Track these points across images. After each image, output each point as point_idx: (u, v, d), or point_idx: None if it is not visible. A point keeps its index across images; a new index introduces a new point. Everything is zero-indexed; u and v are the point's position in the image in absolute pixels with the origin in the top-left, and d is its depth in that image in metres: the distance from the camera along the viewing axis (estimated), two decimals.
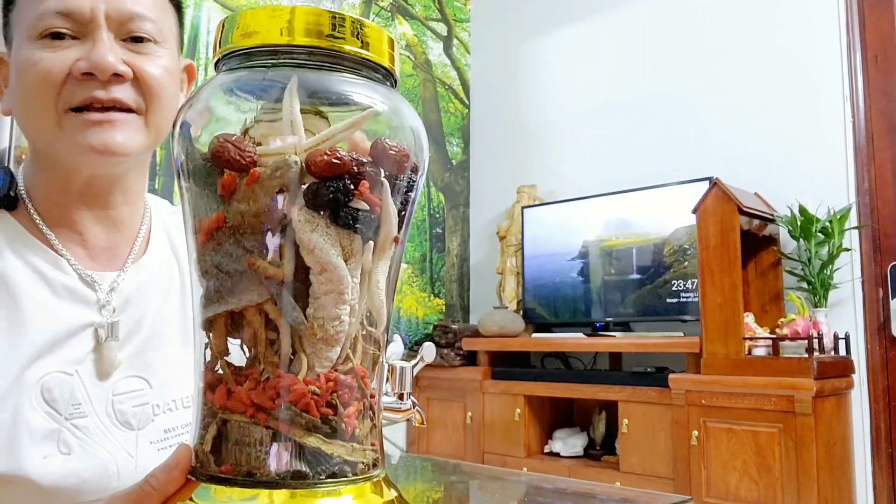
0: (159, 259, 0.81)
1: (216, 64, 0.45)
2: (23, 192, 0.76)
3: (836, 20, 2.53)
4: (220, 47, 0.44)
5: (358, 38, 0.43)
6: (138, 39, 0.72)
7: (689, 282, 2.53)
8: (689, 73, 2.87)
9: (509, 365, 2.93)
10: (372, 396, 0.45)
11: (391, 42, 0.46)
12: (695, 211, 2.36)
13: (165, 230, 0.85)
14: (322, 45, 0.42)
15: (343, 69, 0.43)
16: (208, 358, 0.44)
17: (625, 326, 2.78)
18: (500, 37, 3.61)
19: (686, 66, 2.88)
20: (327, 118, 0.44)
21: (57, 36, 0.69)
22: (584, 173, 3.13)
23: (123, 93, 0.70)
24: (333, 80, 0.43)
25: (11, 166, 0.79)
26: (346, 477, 0.41)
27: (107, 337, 0.72)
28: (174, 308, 0.81)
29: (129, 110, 0.70)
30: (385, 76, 0.46)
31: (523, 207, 3.14)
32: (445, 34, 3.66)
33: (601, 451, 2.64)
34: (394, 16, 3.43)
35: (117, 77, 0.69)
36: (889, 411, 2.35)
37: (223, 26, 0.44)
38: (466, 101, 3.70)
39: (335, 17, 0.42)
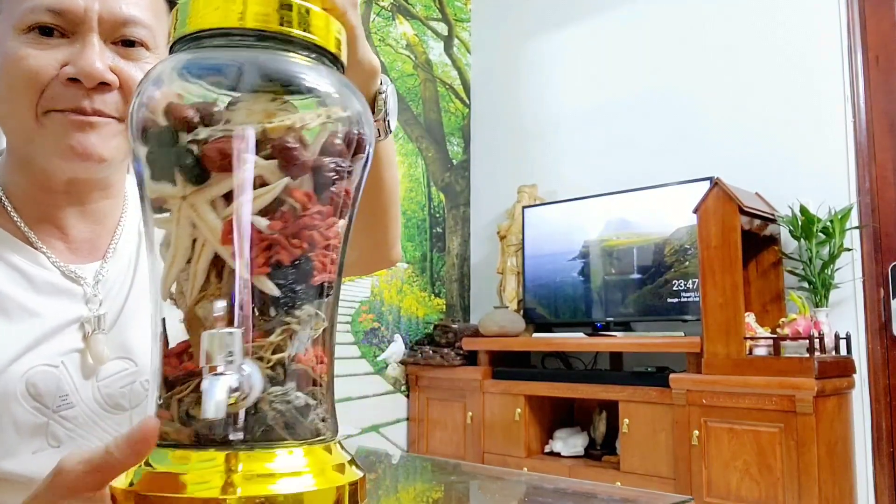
0: (131, 239, 0.81)
1: (170, 49, 0.47)
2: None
3: (837, 20, 2.53)
4: (174, 32, 0.46)
5: (305, 24, 0.45)
6: (129, 43, 0.70)
7: (690, 281, 2.53)
8: (689, 73, 2.87)
9: (510, 365, 2.93)
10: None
11: (339, 29, 0.48)
12: (696, 211, 2.36)
13: (138, 206, 0.83)
14: (271, 29, 0.44)
15: (292, 52, 0.45)
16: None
17: (625, 326, 2.78)
18: (501, 36, 3.61)
19: (686, 66, 2.88)
20: (284, 100, 0.46)
21: (45, 31, 0.67)
22: (585, 173, 3.13)
23: (107, 104, 0.68)
24: (282, 61, 0.45)
25: None
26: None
27: (94, 330, 0.72)
28: (145, 282, 0.79)
29: (110, 117, 0.69)
30: (332, 61, 0.48)
31: (524, 207, 3.14)
32: (446, 34, 3.66)
33: (602, 450, 2.64)
34: (394, 15, 3.43)
35: (104, 85, 0.67)
36: (890, 411, 2.35)
37: (177, 13, 0.46)
38: (467, 101, 3.70)
39: (283, 4, 0.44)
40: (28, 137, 0.69)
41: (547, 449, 2.75)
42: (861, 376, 2.35)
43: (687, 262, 2.56)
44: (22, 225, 0.73)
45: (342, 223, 0.48)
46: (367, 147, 0.48)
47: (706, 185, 2.39)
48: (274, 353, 0.44)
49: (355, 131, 0.47)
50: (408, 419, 3.15)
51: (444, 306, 3.47)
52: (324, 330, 0.47)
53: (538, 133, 3.36)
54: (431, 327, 3.24)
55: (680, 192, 2.58)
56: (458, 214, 3.59)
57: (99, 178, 0.76)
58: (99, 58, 0.67)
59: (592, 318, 2.85)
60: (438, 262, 3.47)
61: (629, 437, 2.41)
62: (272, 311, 0.44)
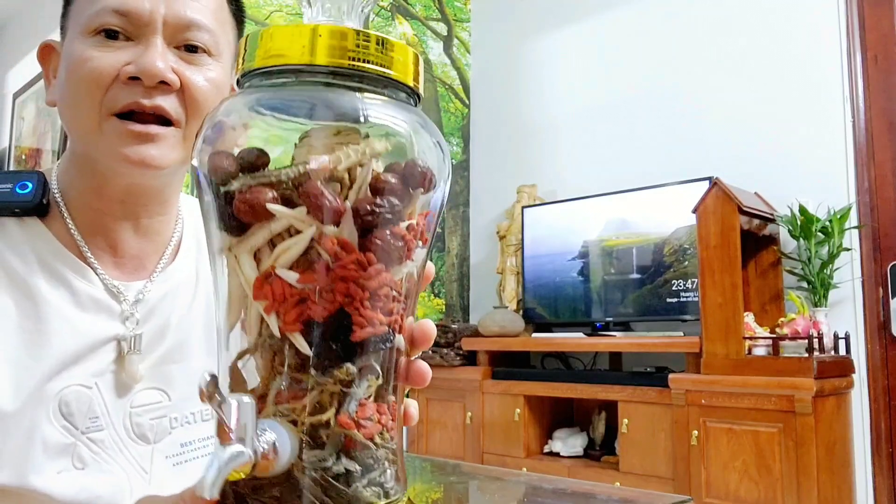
0: (186, 267, 0.80)
1: (238, 81, 0.46)
2: (58, 195, 0.74)
3: (837, 20, 2.53)
4: (242, 64, 0.44)
5: (382, 58, 0.43)
6: (192, 48, 0.70)
7: (689, 281, 2.53)
8: (689, 73, 2.87)
9: (509, 365, 2.92)
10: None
11: (416, 59, 0.45)
12: (695, 211, 2.36)
13: (196, 235, 0.83)
14: (343, 66, 0.42)
15: (364, 89, 0.43)
16: None
17: (625, 326, 2.78)
18: (501, 36, 3.61)
19: (686, 66, 2.88)
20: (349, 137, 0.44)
21: (111, 35, 0.67)
22: (585, 173, 3.13)
23: (167, 102, 0.68)
24: (350, 98, 0.43)
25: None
26: None
27: (129, 350, 0.71)
28: (198, 317, 0.79)
29: (169, 122, 0.69)
30: (409, 94, 0.46)
31: (523, 207, 3.14)
32: (445, 34, 3.66)
33: (601, 451, 2.64)
34: (394, 15, 3.43)
35: (163, 85, 0.67)
36: (889, 411, 2.35)
37: (246, 43, 0.44)
38: (466, 101, 3.70)
39: (359, 36, 0.42)
40: (89, 141, 0.70)
41: (546, 449, 2.75)
42: (860, 376, 2.35)
43: (686, 262, 2.56)
44: (75, 233, 0.72)
45: (405, 269, 0.44)
46: (437, 183, 0.45)
47: (705, 184, 2.39)
48: (311, 414, 0.41)
49: (420, 166, 0.44)
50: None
51: (444, 306, 3.47)
52: (380, 387, 0.44)
53: (538, 133, 3.36)
54: None
55: (679, 191, 2.58)
56: (458, 214, 3.59)
57: (156, 189, 0.75)
58: (161, 58, 0.67)
59: (592, 319, 2.85)
60: (438, 262, 3.48)
61: (628, 437, 2.41)
62: (308, 370, 0.41)
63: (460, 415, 2.89)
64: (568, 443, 2.69)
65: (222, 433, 0.38)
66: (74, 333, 0.69)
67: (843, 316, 2.40)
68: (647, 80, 2.99)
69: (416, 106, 0.47)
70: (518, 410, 2.71)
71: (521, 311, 3.07)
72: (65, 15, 0.73)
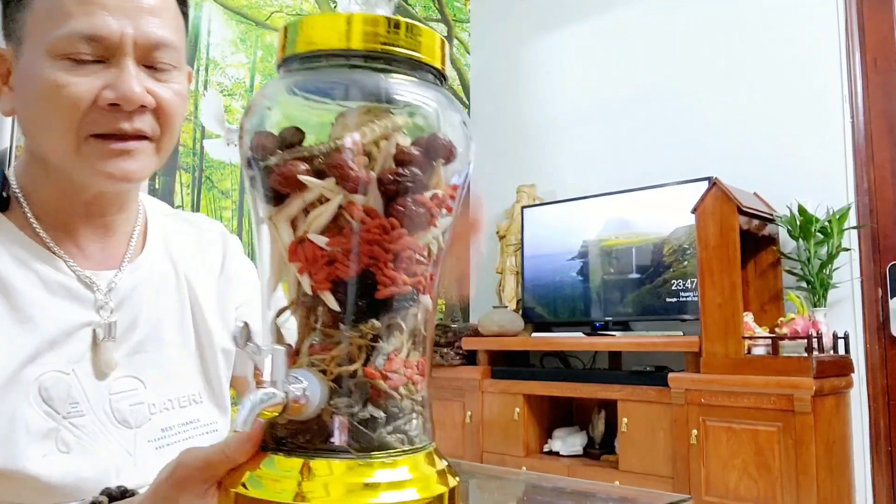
0: (154, 260, 0.82)
1: (278, 66, 0.50)
2: (17, 192, 0.75)
3: (836, 22, 2.54)
4: (283, 51, 0.49)
5: (410, 41, 0.47)
6: (161, 66, 0.72)
7: (689, 281, 2.54)
8: (689, 73, 2.88)
9: (509, 364, 2.93)
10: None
11: (443, 43, 0.50)
12: (694, 211, 2.36)
13: (162, 232, 0.86)
14: (376, 49, 0.46)
15: (394, 71, 0.47)
16: None
17: (624, 326, 2.78)
18: (500, 37, 3.61)
19: (686, 66, 2.89)
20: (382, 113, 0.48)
21: (81, 59, 0.68)
22: (584, 173, 3.13)
23: (145, 123, 0.71)
24: (380, 79, 0.48)
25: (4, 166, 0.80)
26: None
27: (104, 337, 0.73)
28: (170, 309, 0.81)
29: (144, 137, 0.72)
30: (436, 75, 0.50)
31: (523, 207, 3.14)
32: (445, 34, 3.66)
33: (600, 450, 2.64)
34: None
35: (141, 108, 0.70)
36: (888, 410, 2.35)
37: (286, 32, 0.48)
38: (466, 101, 3.70)
39: (390, 22, 0.47)
40: (67, 161, 0.71)
41: (546, 448, 2.75)
42: (859, 376, 2.35)
43: (685, 262, 2.57)
44: (37, 227, 0.74)
45: (430, 235, 0.48)
46: (459, 154, 0.50)
47: (705, 184, 2.39)
48: (339, 365, 0.45)
49: (441, 138, 0.48)
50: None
51: (444, 306, 3.47)
52: (410, 342, 0.48)
53: (537, 133, 3.36)
54: None
55: (678, 191, 2.59)
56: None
57: (122, 194, 0.78)
58: (136, 82, 0.69)
59: (591, 318, 2.85)
60: None
61: (628, 436, 2.41)
62: (338, 326, 0.46)
63: (460, 414, 2.89)
64: (567, 442, 2.69)
65: (257, 379, 0.43)
66: (49, 320, 0.71)
67: (843, 316, 2.41)
68: (647, 80, 2.99)
69: (442, 86, 0.51)
70: (517, 409, 2.71)
71: (520, 311, 3.07)
72: (14, 20, 0.72)
